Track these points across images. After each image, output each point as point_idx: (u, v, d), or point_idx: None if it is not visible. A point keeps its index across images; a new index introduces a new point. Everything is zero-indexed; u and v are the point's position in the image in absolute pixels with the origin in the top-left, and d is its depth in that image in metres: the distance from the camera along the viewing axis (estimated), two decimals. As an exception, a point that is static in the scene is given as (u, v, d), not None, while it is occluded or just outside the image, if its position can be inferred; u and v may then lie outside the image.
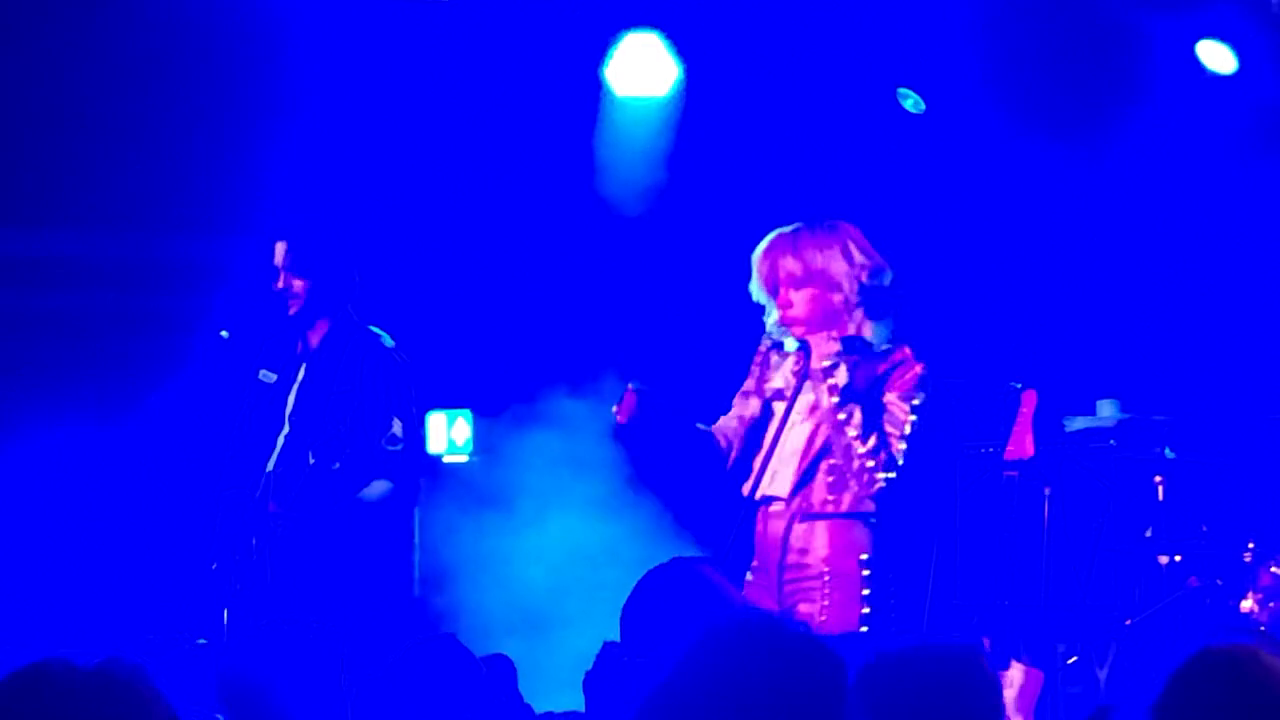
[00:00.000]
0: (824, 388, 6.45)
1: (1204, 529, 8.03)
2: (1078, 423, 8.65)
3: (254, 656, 4.71)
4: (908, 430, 6.42)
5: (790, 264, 6.50)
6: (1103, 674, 8.08)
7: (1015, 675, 7.63)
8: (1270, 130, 8.63)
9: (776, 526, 6.49)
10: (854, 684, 3.54)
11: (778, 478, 6.55)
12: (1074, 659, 8.11)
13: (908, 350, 6.55)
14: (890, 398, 6.45)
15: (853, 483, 6.44)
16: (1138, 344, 8.92)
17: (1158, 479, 8.24)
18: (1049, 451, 8.11)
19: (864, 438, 6.41)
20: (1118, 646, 8.07)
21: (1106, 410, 8.69)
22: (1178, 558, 8.11)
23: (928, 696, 3.56)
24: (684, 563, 5.67)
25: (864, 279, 6.50)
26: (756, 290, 6.60)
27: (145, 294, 9.01)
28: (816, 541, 6.43)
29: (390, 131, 8.98)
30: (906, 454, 6.42)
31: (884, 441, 6.41)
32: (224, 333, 7.82)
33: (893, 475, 6.39)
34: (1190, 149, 8.74)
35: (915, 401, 6.44)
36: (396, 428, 7.33)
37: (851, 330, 6.50)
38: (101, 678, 3.03)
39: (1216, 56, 8.64)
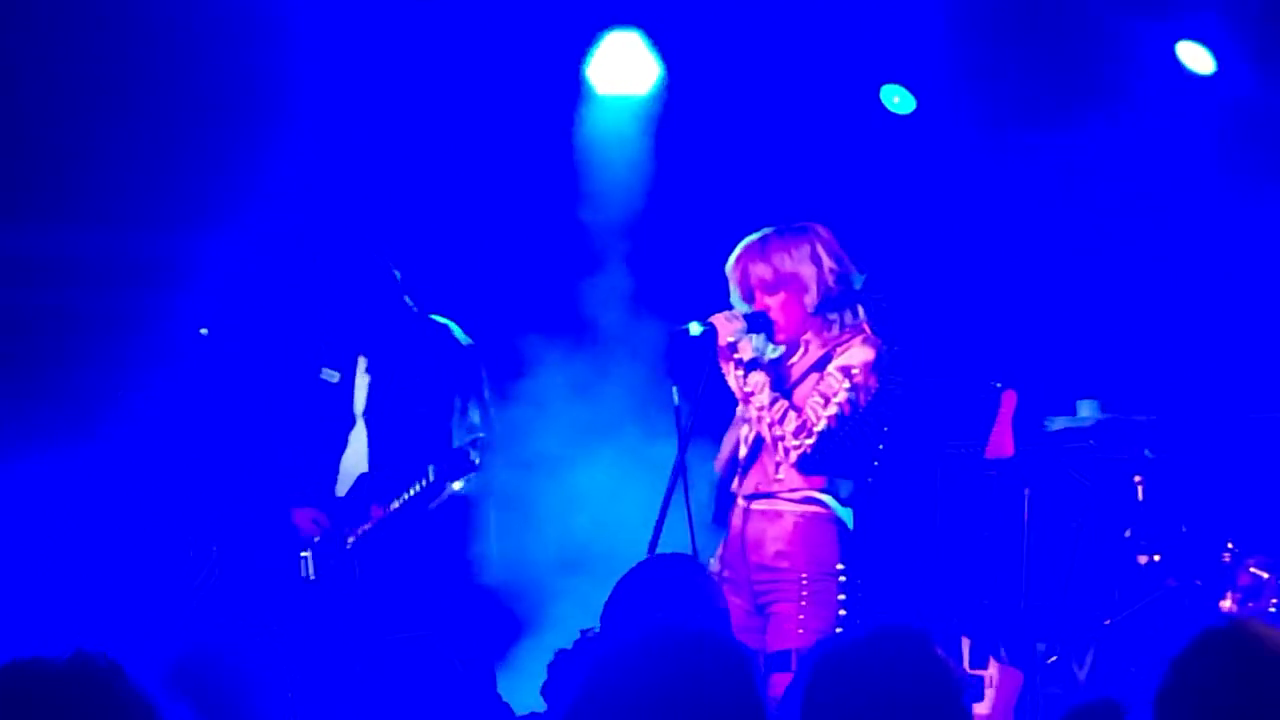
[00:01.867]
0: (730, 365, 6.51)
1: (1183, 529, 8.04)
2: (1058, 423, 8.65)
3: (213, 650, 4.66)
4: (841, 397, 6.35)
5: (761, 270, 6.55)
6: (1082, 673, 8.08)
7: (994, 674, 7.64)
8: (1248, 131, 8.64)
9: (740, 522, 6.50)
10: (808, 678, 3.53)
11: (742, 472, 6.59)
12: (1053, 658, 8.11)
13: (866, 327, 6.53)
14: (830, 367, 6.44)
15: (776, 454, 6.41)
16: (1118, 344, 8.93)
17: (1137, 479, 8.25)
18: (1029, 451, 8.12)
19: (771, 405, 6.40)
20: (1097, 646, 8.08)
21: (1086, 410, 8.70)
22: (1157, 557, 8.11)
23: (881, 684, 3.54)
24: (666, 560, 5.67)
25: (831, 282, 6.52)
26: (735, 299, 6.63)
27: (127, 290, 8.98)
28: (786, 540, 6.39)
29: (372, 129, 8.96)
30: (841, 421, 6.36)
31: (795, 406, 6.37)
32: (203, 330, 7.80)
33: (810, 442, 6.33)
34: (1169, 149, 8.74)
35: (855, 372, 6.38)
36: (475, 417, 7.36)
37: (826, 329, 6.50)
38: (74, 672, 3.02)
39: (1195, 57, 8.65)
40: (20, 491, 8.66)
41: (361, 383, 7.57)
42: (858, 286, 6.60)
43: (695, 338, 6.48)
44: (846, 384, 6.37)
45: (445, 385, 7.45)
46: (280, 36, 8.66)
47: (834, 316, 6.52)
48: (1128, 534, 8.29)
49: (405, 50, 8.90)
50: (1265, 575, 7.62)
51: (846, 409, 6.36)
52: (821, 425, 6.34)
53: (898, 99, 9.04)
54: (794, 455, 6.36)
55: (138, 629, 8.04)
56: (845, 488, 6.45)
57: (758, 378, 6.45)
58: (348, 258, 7.52)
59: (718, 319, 6.51)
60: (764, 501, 6.47)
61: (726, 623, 4.90)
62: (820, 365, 6.47)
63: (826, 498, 6.40)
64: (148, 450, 8.76)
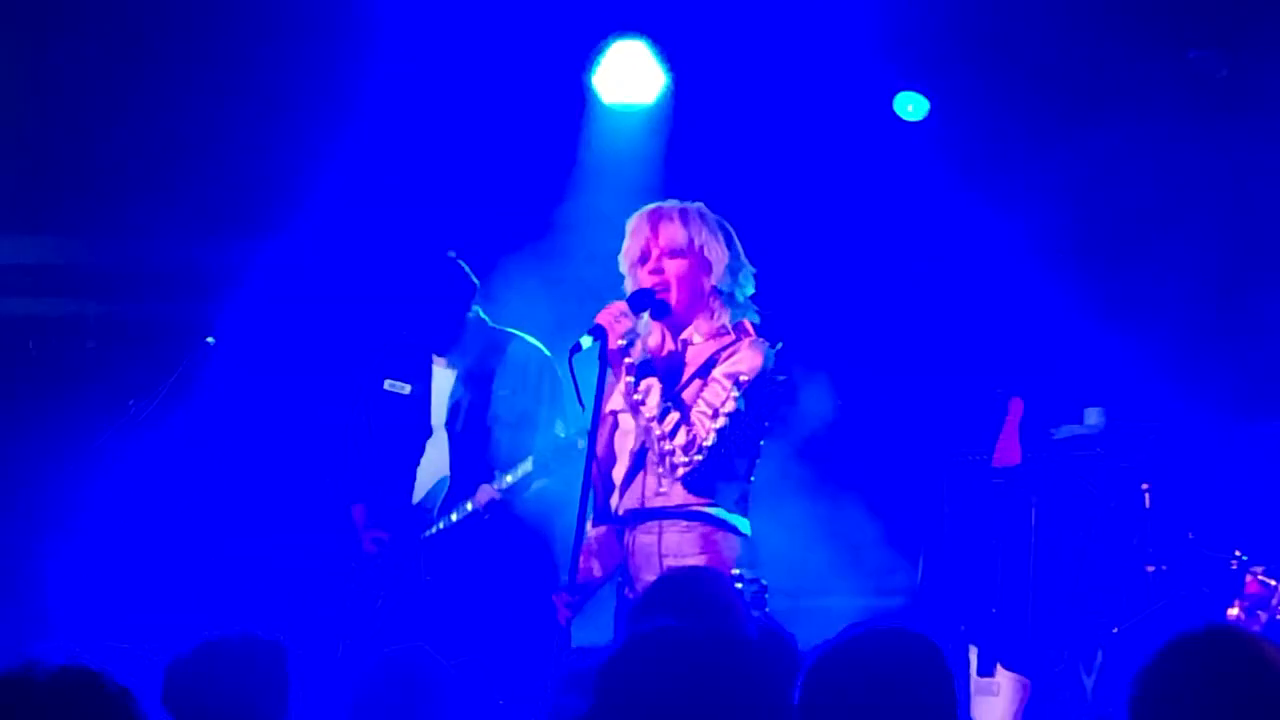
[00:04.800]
0: (621, 370, 6.15)
1: (1190, 536, 8.04)
2: (1065, 430, 8.65)
3: (203, 664, 4.63)
4: (728, 408, 6.07)
5: (675, 231, 6.21)
6: (1089, 682, 8.08)
7: (1002, 682, 7.64)
8: (1260, 137, 8.65)
9: (629, 541, 6.22)
10: (802, 676, 3.51)
11: (625, 488, 6.28)
12: (1061, 666, 8.11)
13: (749, 327, 6.24)
14: (715, 373, 6.13)
15: (661, 468, 6.11)
16: (1125, 352, 8.93)
17: (1144, 486, 8.25)
18: (1036, 459, 8.13)
19: (661, 417, 6.09)
20: (1105, 654, 8.07)
21: (1093, 418, 8.70)
22: (1164, 566, 8.11)
23: (878, 684, 3.53)
24: (686, 573, 5.61)
25: (734, 275, 6.27)
26: (626, 257, 6.31)
27: (141, 301, 9.01)
28: (675, 553, 6.10)
29: (379, 139, 8.97)
30: (729, 433, 6.08)
31: (685, 419, 6.06)
32: (210, 339, 7.82)
33: (700, 458, 6.04)
34: (1177, 154, 8.75)
35: (743, 379, 6.08)
36: (559, 429, 7.33)
37: (716, 317, 6.24)
38: (63, 684, 3.01)
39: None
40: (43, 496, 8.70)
41: (440, 393, 7.57)
42: (749, 291, 6.35)
43: (589, 349, 6.09)
44: (735, 393, 6.09)
45: (531, 397, 7.46)
46: (291, 47, 8.68)
47: (723, 308, 6.23)
48: (1135, 541, 8.29)
49: (411, 61, 8.91)
50: (1272, 583, 7.61)
51: (734, 420, 6.10)
52: (710, 440, 6.06)
53: (910, 107, 9.04)
54: (681, 471, 6.07)
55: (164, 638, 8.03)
56: (731, 495, 6.16)
57: (649, 384, 6.13)
58: (427, 267, 7.52)
59: (605, 318, 6.13)
60: (650, 521, 6.17)
61: (750, 630, 4.77)
62: (705, 370, 6.17)
63: (714, 510, 6.13)
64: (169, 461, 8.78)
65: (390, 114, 8.96)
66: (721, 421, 6.08)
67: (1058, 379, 8.78)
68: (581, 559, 6.18)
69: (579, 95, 9.08)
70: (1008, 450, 7.91)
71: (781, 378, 6.20)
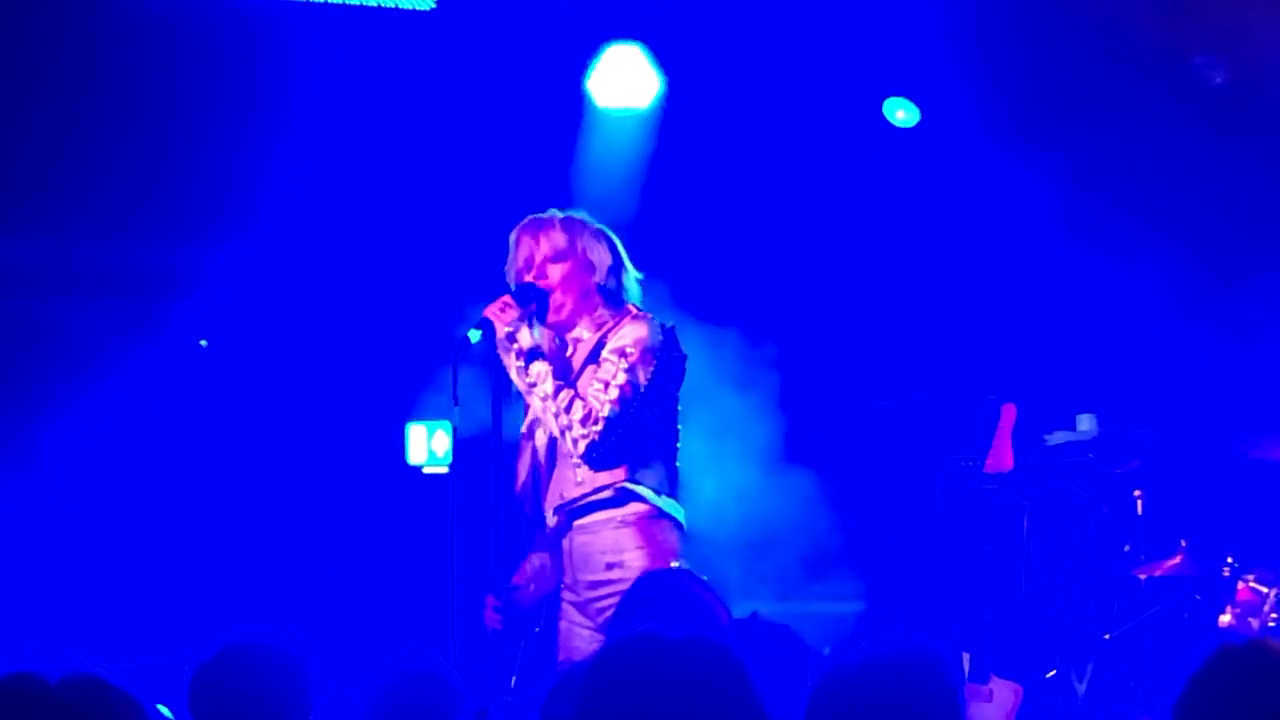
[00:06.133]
0: (510, 356, 6.28)
1: (1183, 544, 8.04)
2: (1057, 437, 8.67)
3: (227, 670, 4.63)
4: (620, 379, 6.13)
5: (557, 236, 6.31)
6: (1081, 688, 8.09)
7: (994, 689, 7.65)
8: (1252, 143, 8.66)
9: (565, 541, 6.30)
10: (811, 696, 3.51)
11: (546, 488, 6.38)
12: (1053, 673, 8.12)
13: (631, 307, 6.34)
14: (604, 352, 6.23)
15: (565, 446, 6.21)
16: (1117, 359, 8.94)
17: (1137, 493, 8.26)
18: (1028, 465, 8.14)
19: (555, 394, 6.18)
20: (1096, 660, 8.09)
21: (1086, 424, 8.71)
22: (1156, 573, 8.12)
23: (885, 705, 3.52)
24: (664, 575, 5.63)
25: (617, 278, 6.35)
26: (511, 267, 6.40)
27: (130, 300, 9.00)
28: (614, 548, 6.20)
29: (373, 142, 8.97)
30: (625, 405, 6.14)
31: (579, 396, 6.16)
32: (203, 341, 7.82)
33: (598, 429, 6.11)
34: (1172, 164, 8.76)
35: (630, 351, 6.17)
36: None
37: (599, 313, 6.32)
38: (72, 689, 3.01)
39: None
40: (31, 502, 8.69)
41: None
42: (637, 298, 6.40)
43: (477, 343, 6.18)
44: (624, 364, 6.17)
45: None
46: (285, 52, 8.68)
47: (606, 306, 6.30)
48: (1127, 548, 8.30)
49: (407, 65, 8.92)
50: (1264, 590, 7.62)
51: (628, 390, 6.16)
52: (606, 411, 6.13)
53: (901, 113, 9.06)
54: (582, 445, 6.14)
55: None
56: (651, 476, 6.23)
57: (539, 368, 6.22)
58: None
59: (491, 311, 6.24)
60: (581, 517, 6.25)
61: (725, 633, 4.80)
62: (595, 355, 6.26)
63: (639, 489, 6.20)
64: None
65: (389, 115, 8.96)
66: (614, 393, 6.16)
67: (1050, 385, 8.79)
68: (518, 572, 6.33)
69: (575, 99, 9.09)
70: (1000, 456, 7.92)
71: (679, 354, 6.27)
